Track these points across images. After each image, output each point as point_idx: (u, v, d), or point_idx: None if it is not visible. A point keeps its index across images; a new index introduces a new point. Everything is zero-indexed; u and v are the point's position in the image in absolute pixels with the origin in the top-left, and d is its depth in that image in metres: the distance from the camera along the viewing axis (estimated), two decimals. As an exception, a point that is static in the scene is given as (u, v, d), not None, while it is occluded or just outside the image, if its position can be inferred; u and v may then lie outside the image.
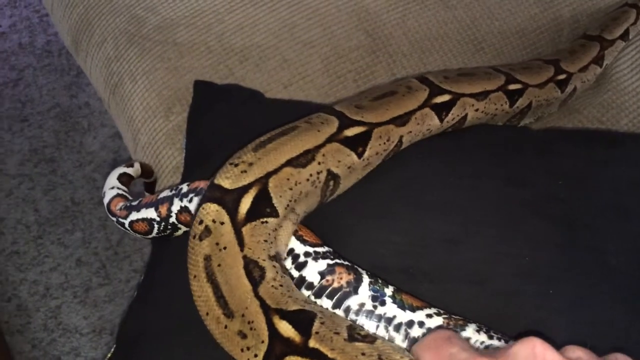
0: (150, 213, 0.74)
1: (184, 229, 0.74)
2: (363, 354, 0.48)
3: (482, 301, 0.64)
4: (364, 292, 0.59)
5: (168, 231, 0.75)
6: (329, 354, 0.48)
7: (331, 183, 0.66)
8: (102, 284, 1.75)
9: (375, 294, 0.59)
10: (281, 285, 0.54)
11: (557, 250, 0.68)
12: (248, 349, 0.52)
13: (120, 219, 0.81)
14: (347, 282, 0.59)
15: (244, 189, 0.58)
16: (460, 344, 0.48)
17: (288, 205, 0.61)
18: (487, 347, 0.58)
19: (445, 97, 0.75)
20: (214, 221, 0.57)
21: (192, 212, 0.69)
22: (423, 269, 0.65)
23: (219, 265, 0.55)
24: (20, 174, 1.91)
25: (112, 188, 0.87)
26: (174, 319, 0.64)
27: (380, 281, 0.60)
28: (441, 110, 0.74)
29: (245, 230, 0.57)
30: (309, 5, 1.08)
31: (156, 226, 0.74)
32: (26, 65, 2.11)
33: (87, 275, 1.77)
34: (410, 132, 0.72)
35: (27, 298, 1.74)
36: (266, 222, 0.58)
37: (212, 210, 0.57)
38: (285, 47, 1.05)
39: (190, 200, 0.70)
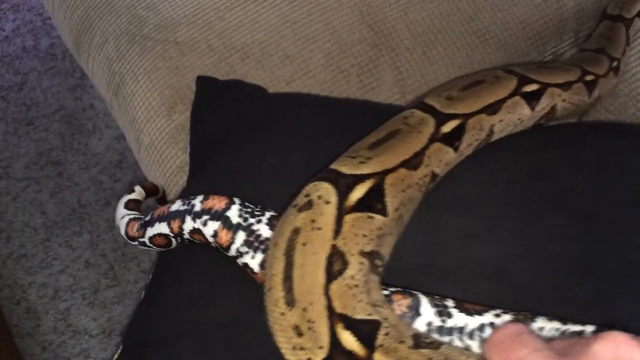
0: (162, 228, 0.69)
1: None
2: (430, 359, 0.46)
3: (501, 296, 0.62)
4: (427, 310, 0.56)
5: (186, 242, 0.70)
6: None
7: (431, 186, 0.64)
8: (110, 285, 1.75)
9: (440, 309, 0.57)
10: (356, 286, 0.51)
11: (578, 245, 0.66)
12: (302, 349, 0.48)
13: (140, 240, 0.75)
14: (408, 307, 0.57)
15: (360, 178, 0.56)
16: (532, 342, 0.42)
17: (398, 209, 0.58)
18: (562, 332, 0.55)
19: (534, 86, 0.73)
20: (319, 197, 0.54)
21: (207, 236, 0.64)
22: (442, 266, 0.63)
23: (303, 244, 0.52)
24: (26, 177, 1.91)
25: (123, 217, 0.83)
26: (182, 323, 0.63)
27: (436, 296, 0.58)
28: (531, 99, 0.73)
29: (347, 218, 0.53)
30: (310, 1, 1.07)
31: (173, 240, 0.70)
32: (30, 68, 2.11)
33: (96, 277, 1.77)
34: (502, 120, 0.70)
35: (36, 301, 1.74)
36: (372, 217, 0.55)
37: (323, 187, 0.55)
38: (286, 43, 1.04)
39: (205, 224, 0.64)
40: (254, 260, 0.60)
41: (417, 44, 1.06)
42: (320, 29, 1.06)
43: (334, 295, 0.49)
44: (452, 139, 0.65)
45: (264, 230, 0.61)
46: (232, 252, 0.61)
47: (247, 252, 0.60)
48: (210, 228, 0.63)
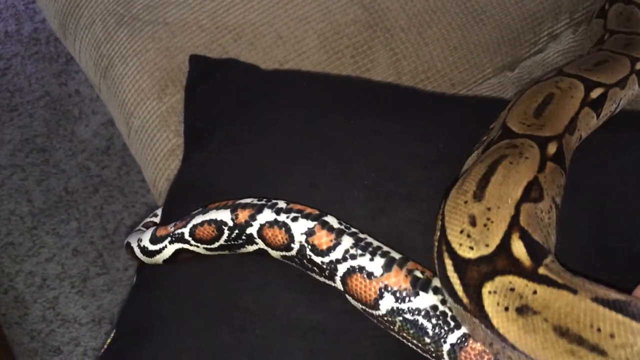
0: (222, 215, 0.63)
1: (260, 245, 0.63)
2: (591, 283, 0.47)
3: None
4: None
5: (240, 241, 0.64)
6: (559, 280, 0.46)
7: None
8: (99, 273, 1.73)
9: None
10: (542, 220, 0.54)
11: (585, 237, 0.66)
12: (468, 236, 0.51)
13: (177, 231, 0.67)
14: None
15: (548, 139, 0.60)
16: None
17: (566, 171, 0.63)
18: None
19: None
20: (522, 143, 0.59)
21: (293, 231, 0.60)
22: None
23: (510, 162, 0.56)
24: (12, 164, 1.88)
25: (137, 231, 0.76)
26: (182, 305, 0.61)
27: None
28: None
29: (549, 164, 0.58)
30: (303, -20, 1.05)
31: (227, 232, 0.63)
32: (14, 53, 2.07)
33: (84, 264, 1.74)
34: (626, 95, 0.75)
35: (24, 290, 1.71)
36: (562, 174, 0.60)
37: (526, 142, 0.59)
38: (279, 24, 1.02)
39: (295, 220, 0.60)
40: (373, 263, 0.57)
41: (412, 24, 1.05)
42: (314, 9, 1.04)
43: (523, 212, 0.52)
44: (597, 106, 0.70)
45: (371, 239, 0.60)
46: (337, 254, 0.59)
47: (362, 255, 0.58)
48: (304, 225, 0.59)
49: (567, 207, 0.66)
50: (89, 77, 1.16)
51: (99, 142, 1.90)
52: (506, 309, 0.47)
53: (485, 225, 0.51)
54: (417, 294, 0.55)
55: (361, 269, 0.57)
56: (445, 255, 0.52)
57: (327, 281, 0.59)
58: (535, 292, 0.46)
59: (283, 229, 0.60)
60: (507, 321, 0.47)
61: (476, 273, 0.49)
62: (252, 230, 0.61)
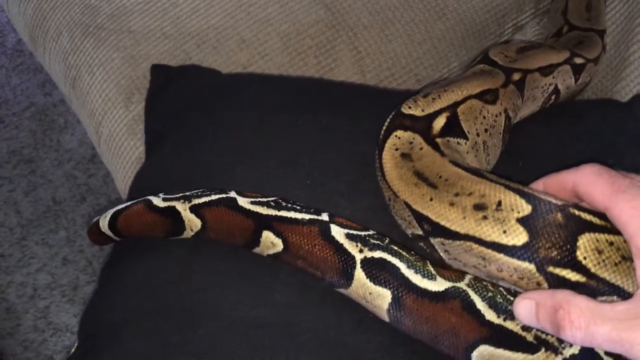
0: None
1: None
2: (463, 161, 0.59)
3: None
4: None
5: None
6: (442, 149, 0.61)
7: (553, 98, 0.80)
8: (89, 281, 1.74)
9: None
10: (485, 118, 0.67)
11: None
12: (415, 101, 0.65)
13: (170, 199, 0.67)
14: None
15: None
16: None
17: (523, 98, 0.74)
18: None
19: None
20: (492, 70, 0.71)
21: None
22: None
23: (479, 73, 0.69)
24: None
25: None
26: (129, 310, 0.62)
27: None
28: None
29: (510, 86, 0.69)
30: (265, -17, 1.06)
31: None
32: (-2, 66, 2.08)
33: (74, 273, 1.75)
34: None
35: (15, 300, 1.72)
36: (519, 97, 0.71)
37: (495, 70, 0.70)
38: (242, 27, 1.03)
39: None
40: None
41: (374, 22, 1.05)
42: (276, 11, 1.04)
43: (468, 103, 0.66)
44: (578, 72, 0.80)
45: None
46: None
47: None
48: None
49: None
50: (60, 88, 1.17)
51: (85, 151, 1.91)
52: (396, 149, 0.61)
53: (433, 99, 0.65)
54: None
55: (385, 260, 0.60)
56: (390, 119, 0.65)
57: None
58: (421, 149, 0.60)
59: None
60: (390, 157, 0.61)
61: (398, 122, 0.63)
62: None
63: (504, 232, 0.51)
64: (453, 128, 0.63)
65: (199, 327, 0.56)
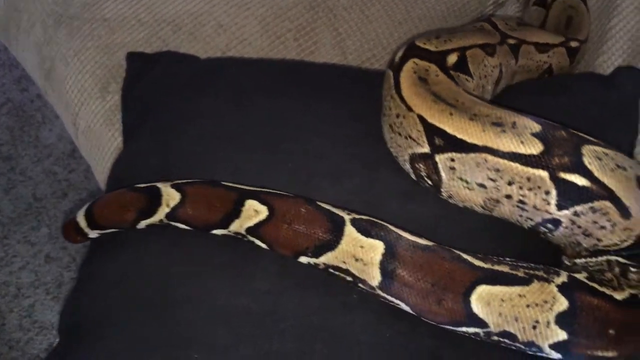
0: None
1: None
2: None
3: None
4: None
5: None
6: (455, 78, 0.70)
7: (546, 76, 0.89)
8: (74, 277, 1.71)
9: None
10: (485, 66, 0.76)
11: None
12: (428, 39, 0.74)
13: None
14: None
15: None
16: None
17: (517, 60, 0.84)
18: None
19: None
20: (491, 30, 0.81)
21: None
22: None
23: (479, 29, 0.79)
24: (-23, 175, 1.85)
25: None
26: (109, 305, 0.61)
27: None
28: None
29: (505, 46, 0.79)
30: (241, -35, 1.03)
31: None
32: (-28, 63, 2.03)
33: (58, 270, 1.73)
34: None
35: (-1, 300, 1.70)
36: (513, 57, 0.81)
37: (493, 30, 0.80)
38: (219, 12, 1.01)
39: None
40: None
41: (354, 2, 1.03)
42: (254, -5, 1.02)
43: (473, 50, 0.78)
44: (573, 55, 0.88)
45: None
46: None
47: None
48: None
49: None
50: (35, 81, 1.14)
51: (64, 146, 1.88)
52: (414, 72, 0.67)
53: (445, 40, 0.74)
54: None
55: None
56: (405, 48, 0.73)
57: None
58: (437, 76, 0.67)
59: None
60: (408, 77, 0.67)
61: (414, 52, 0.71)
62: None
63: (522, 142, 0.58)
64: (463, 66, 0.72)
65: (179, 318, 0.55)
